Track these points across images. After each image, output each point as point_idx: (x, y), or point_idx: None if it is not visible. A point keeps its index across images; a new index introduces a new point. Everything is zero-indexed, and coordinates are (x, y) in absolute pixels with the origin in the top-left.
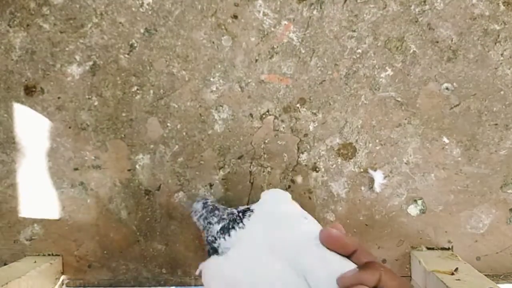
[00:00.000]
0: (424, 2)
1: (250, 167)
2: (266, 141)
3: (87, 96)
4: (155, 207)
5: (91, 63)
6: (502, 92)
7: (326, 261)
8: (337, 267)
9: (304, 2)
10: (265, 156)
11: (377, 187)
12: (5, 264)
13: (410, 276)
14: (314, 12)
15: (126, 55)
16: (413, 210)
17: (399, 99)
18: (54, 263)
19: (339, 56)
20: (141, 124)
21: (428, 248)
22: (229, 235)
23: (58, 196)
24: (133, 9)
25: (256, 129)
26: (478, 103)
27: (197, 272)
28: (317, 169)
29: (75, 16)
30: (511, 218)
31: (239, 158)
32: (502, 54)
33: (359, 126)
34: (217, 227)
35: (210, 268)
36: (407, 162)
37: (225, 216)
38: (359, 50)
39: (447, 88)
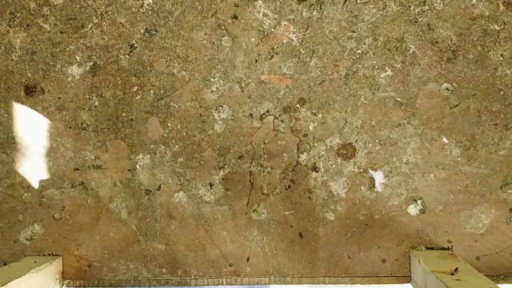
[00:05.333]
0: (424, 2)
1: (250, 167)
2: (266, 141)
3: (87, 96)
4: (155, 207)
5: (91, 63)
6: (501, 92)
7: None
8: None
9: (304, 2)
10: (265, 156)
11: (377, 187)
12: (5, 264)
13: (410, 276)
14: (314, 12)
15: (127, 56)
16: (412, 210)
17: (398, 99)
18: (54, 263)
19: (339, 57)
20: (141, 124)
21: (428, 248)
22: None
23: (58, 196)
24: (133, 9)
25: (256, 129)
26: (478, 103)
27: None
28: (317, 169)
29: (76, 17)
30: (511, 218)
31: (239, 158)
32: (502, 55)
33: (358, 126)
34: None
35: None
36: (406, 162)
37: None
38: (359, 51)
39: (446, 88)
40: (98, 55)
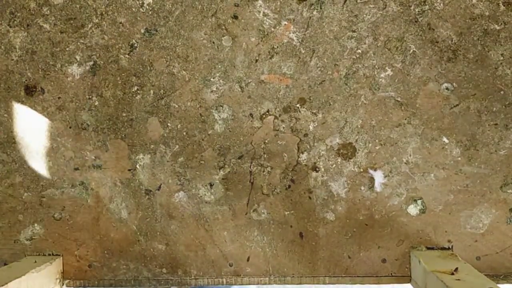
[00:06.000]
0: (424, 2)
1: (250, 167)
2: (266, 141)
3: (87, 96)
4: (156, 207)
5: (91, 63)
6: (502, 92)
7: None
8: None
9: (304, 2)
10: (265, 156)
11: (377, 186)
12: (5, 264)
13: (410, 276)
14: (314, 12)
15: (127, 55)
16: (412, 210)
17: (399, 99)
18: (54, 263)
19: (339, 56)
20: (142, 124)
21: (428, 248)
22: None
23: (58, 196)
24: (134, 9)
25: (256, 129)
26: (478, 103)
27: None
28: (317, 169)
29: (76, 16)
30: (511, 218)
31: (239, 158)
32: (502, 54)
33: (359, 126)
34: None
35: None
36: (406, 162)
37: None
38: (359, 50)
39: (447, 88)
40: (98, 54)
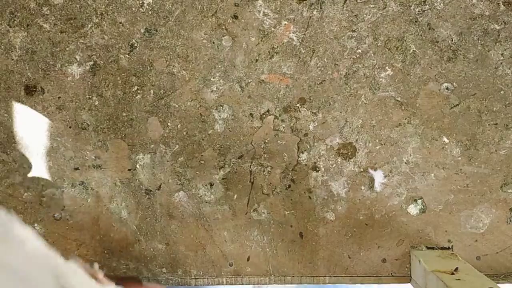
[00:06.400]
0: (424, 2)
1: (250, 167)
2: (266, 141)
3: (87, 96)
4: (156, 206)
5: (91, 63)
6: (502, 92)
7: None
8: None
9: (304, 2)
10: (265, 155)
11: (377, 186)
12: None
13: (410, 276)
14: (314, 12)
15: (127, 55)
16: (413, 209)
17: (399, 99)
18: None
19: (339, 56)
20: (142, 124)
21: (428, 248)
22: None
23: (58, 195)
24: (133, 9)
25: (256, 128)
26: (478, 103)
27: None
28: (317, 169)
29: (76, 16)
30: (511, 218)
31: (240, 157)
32: (502, 54)
33: (359, 126)
34: None
35: None
36: (407, 162)
37: None
38: (359, 50)
39: (447, 88)
40: (98, 54)
